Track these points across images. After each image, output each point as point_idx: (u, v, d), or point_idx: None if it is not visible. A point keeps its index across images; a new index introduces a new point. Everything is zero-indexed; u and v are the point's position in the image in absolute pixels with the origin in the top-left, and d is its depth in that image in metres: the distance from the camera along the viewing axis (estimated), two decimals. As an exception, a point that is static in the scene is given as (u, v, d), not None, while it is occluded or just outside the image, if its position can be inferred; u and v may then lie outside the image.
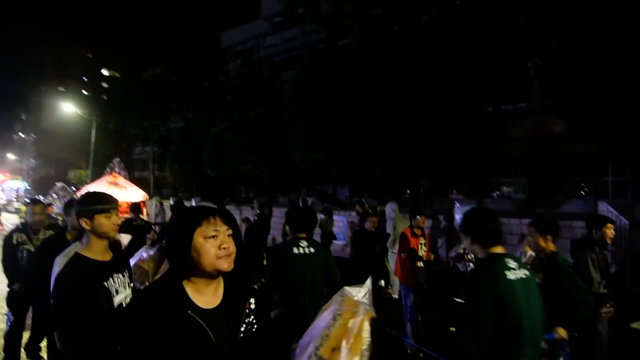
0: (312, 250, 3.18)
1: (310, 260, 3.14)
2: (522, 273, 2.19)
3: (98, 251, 2.18)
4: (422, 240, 5.15)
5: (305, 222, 3.32)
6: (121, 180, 11.09)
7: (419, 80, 10.02)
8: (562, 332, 3.05)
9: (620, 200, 9.73)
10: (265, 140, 15.25)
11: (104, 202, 2.20)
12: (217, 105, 21.12)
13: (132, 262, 2.63)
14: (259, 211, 11.47)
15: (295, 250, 3.15)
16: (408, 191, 13.66)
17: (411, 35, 10.63)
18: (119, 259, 2.33)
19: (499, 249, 2.27)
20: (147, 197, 12.97)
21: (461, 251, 5.15)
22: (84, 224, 2.15)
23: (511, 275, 2.13)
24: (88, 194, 2.29)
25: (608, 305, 3.65)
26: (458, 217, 7.48)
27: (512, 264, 2.20)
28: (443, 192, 19.36)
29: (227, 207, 18.76)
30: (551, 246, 3.42)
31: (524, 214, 11.87)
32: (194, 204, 13.70)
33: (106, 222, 2.17)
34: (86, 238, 2.20)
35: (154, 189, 25.59)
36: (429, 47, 10.25)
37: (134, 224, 5.59)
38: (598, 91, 8.77)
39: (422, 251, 5.10)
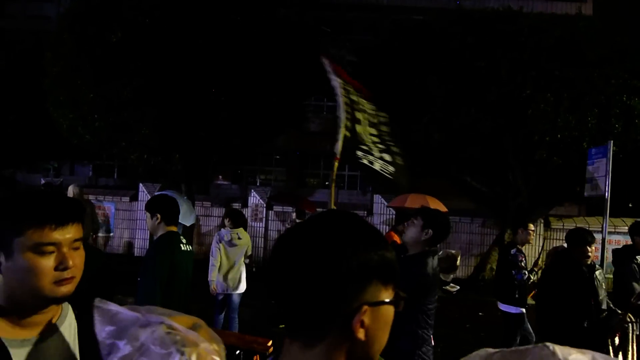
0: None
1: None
2: (187, 247, 3.14)
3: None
4: None
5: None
6: None
7: (236, 56, 9.02)
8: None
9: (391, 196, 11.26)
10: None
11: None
12: None
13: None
14: None
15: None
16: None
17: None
18: None
19: (173, 228, 3.10)
20: None
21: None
22: None
23: (183, 247, 3.06)
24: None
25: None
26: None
27: (183, 240, 3.12)
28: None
29: None
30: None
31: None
32: None
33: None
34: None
35: None
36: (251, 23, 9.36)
37: None
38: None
39: None
